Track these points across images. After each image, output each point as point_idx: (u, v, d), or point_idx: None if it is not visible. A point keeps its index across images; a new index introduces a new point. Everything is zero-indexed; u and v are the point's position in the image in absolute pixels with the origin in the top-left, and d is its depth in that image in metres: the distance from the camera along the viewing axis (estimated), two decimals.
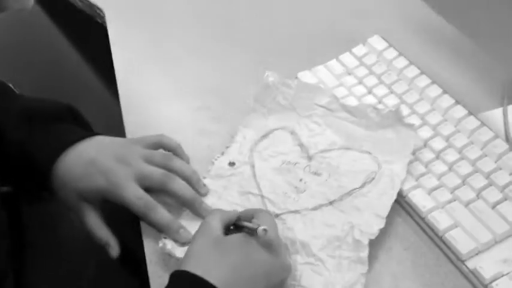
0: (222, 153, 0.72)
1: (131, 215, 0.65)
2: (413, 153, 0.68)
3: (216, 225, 0.57)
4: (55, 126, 0.68)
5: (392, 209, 0.64)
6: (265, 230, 0.54)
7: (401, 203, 0.65)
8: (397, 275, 0.60)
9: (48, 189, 0.67)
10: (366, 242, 0.61)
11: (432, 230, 0.62)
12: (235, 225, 0.59)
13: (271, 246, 0.56)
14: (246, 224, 0.57)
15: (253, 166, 0.70)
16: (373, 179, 0.66)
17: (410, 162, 0.67)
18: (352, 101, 0.74)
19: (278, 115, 0.74)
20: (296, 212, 0.65)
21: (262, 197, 0.67)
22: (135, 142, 0.69)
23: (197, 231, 0.57)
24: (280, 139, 0.72)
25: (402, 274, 0.60)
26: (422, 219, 0.63)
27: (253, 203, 0.66)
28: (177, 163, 0.67)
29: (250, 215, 0.59)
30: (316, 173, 0.68)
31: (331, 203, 0.65)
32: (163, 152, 0.69)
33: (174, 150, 0.70)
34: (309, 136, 0.72)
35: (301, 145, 0.71)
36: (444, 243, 0.61)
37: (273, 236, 0.56)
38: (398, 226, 0.64)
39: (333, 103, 0.73)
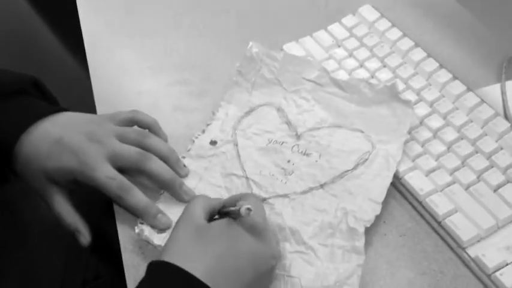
0: (203, 131, 0.66)
1: (104, 198, 0.60)
2: (409, 131, 0.63)
3: (198, 212, 0.52)
4: (17, 100, 0.62)
5: (388, 191, 0.60)
6: (248, 209, 0.49)
7: (397, 186, 0.61)
8: (393, 263, 0.56)
9: (11, 170, 0.61)
10: (361, 229, 0.56)
11: (430, 214, 0.58)
12: (219, 214, 0.54)
13: (257, 230, 0.51)
14: (230, 209, 0.52)
15: (236, 145, 0.65)
16: (367, 160, 0.62)
17: (406, 141, 0.62)
18: (343, 75, 0.69)
19: (263, 90, 0.69)
20: (284, 196, 0.60)
21: (247, 178, 0.62)
22: (107, 118, 0.63)
23: (179, 219, 0.52)
24: (265, 116, 0.67)
25: (398, 262, 0.56)
26: (420, 203, 0.59)
27: (237, 185, 0.61)
28: (153, 140, 0.62)
29: (235, 200, 0.54)
30: (305, 153, 0.63)
31: (321, 186, 0.61)
32: (138, 128, 0.64)
33: (150, 127, 0.64)
34: (297, 113, 0.67)
35: (288, 123, 0.66)
36: (443, 229, 0.57)
37: (259, 219, 0.51)
38: (394, 210, 0.60)
39: (323, 77, 0.68)
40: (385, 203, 0.59)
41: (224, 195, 0.61)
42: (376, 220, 0.58)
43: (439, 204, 0.57)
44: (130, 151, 0.60)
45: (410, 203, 0.60)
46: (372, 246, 0.57)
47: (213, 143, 0.65)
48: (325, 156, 0.63)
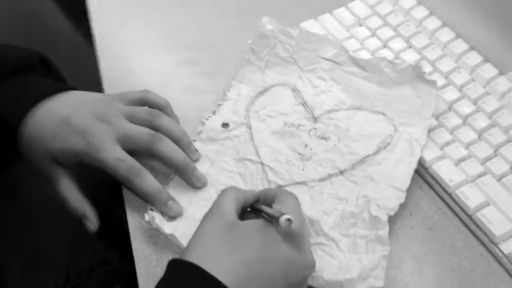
0: (214, 112, 0.63)
1: (112, 181, 0.57)
2: (437, 117, 0.59)
3: (230, 206, 0.48)
4: (22, 77, 0.58)
5: (414, 181, 0.56)
6: (289, 220, 0.44)
7: (424, 176, 0.57)
8: (420, 258, 0.53)
9: (16, 151, 0.58)
10: (384, 218, 0.53)
11: (460, 207, 0.54)
12: (252, 208, 0.50)
13: (293, 237, 0.47)
14: (265, 209, 0.48)
15: (249, 128, 0.61)
16: (389, 144, 0.58)
17: (434, 128, 0.58)
18: (365, 56, 0.65)
19: (277, 69, 0.65)
20: (302, 183, 0.57)
21: (262, 164, 0.58)
22: (116, 98, 0.60)
23: (207, 213, 0.48)
24: (279, 97, 0.63)
25: (426, 257, 0.53)
26: (449, 194, 0.55)
27: (252, 171, 0.58)
28: (165, 121, 0.58)
29: (270, 196, 0.50)
30: (323, 137, 0.60)
31: (341, 172, 0.57)
32: (149, 108, 0.60)
33: (162, 109, 0.60)
34: (314, 94, 0.63)
35: (304, 104, 0.62)
36: (474, 223, 0.53)
37: (297, 226, 0.47)
38: (421, 202, 0.56)
39: (341, 55, 0.64)
40: (411, 193, 0.56)
41: (237, 180, 0.57)
42: (401, 211, 0.54)
43: (470, 197, 0.54)
44: (140, 132, 0.56)
45: (439, 195, 0.56)
46: (397, 240, 0.54)
47: (225, 125, 0.61)
48: (344, 141, 0.59)
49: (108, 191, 0.63)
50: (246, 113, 0.62)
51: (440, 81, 0.61)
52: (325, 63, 0.64)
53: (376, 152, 0.58)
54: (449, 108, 0.60)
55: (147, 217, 0.54)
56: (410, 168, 0.56)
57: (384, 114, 0.60)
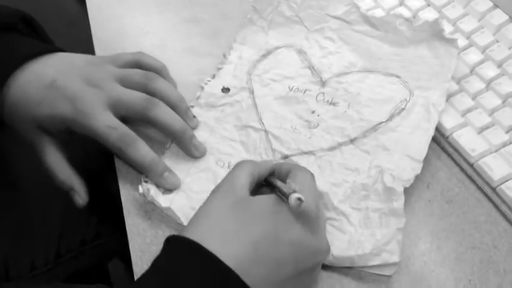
0: (213, 76, 0.58)
1: (104, 152, 0.52)
2: (458, 81, 0.54)
3: (243, 181, 0.43)
4: (3, 37, 0.54)
5: (432, 151, 0.52)
6: (299, 199, 0.40)
7: (443, 145, 0.53)
8: (438, 234, 0.48)
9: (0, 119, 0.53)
10: (400, 189, 0.48)
11: (483, 179, 0.50)
12: (266, 181, 0.46)
13: (307, 217, 0.42)
14: (279, 184, 0.43)
15: (252, 93, 0.57)
16: (403, 109, 0.54)
17: (454, 93, 0.54)
18: (379, 14, 0.60)
19: (281, 29, 0.61)
20: (310, 153, 0.52)
21: (266, 132, 0.54)
22: (107, 61, 0.55)
23: (217, 186, 0.44)
24: (284, 59, 0.59)
25: (445, 233, 0.48)
26: (471, 165, 0.51)
27: (255, 140, 0.53)
28: (160, 84, 0.53)
29: (285, 170, 0.45)
30: (331, 103, 0.55)
31: (351, 140, 0.53)
32: (143, 71, 0.55)
33: (158, 72, 0.56)
34: (321, 56, 0.58)
35: (311, 67, 0.58)
36: (498, 196, 0.49)
37: (311, 207, 0.42)
38: (439, 173, 0.52)
39: (352, 13, 0.59)
40: (428, 164, 0.51)
41: (239, 149, 0.53)
42: (418, 183, 0.50)
43: (494, 168, 0.49)
44: (134, 96, 0.51)
45: (459, 165, 0.52)
46: (414, 214, 0.49)
47: (226, 90, 0.57)
48: (354, 106, 0.54)
49: (100, 161, 0.59)
50: (248, 76, 0.58)
51: (462, 42, 0.56)
52: (334, 22, 0.60)
53: (390, 119, 0.53)
54: (472, 71, 0.55)
55: (141, 189, 0.50)
56: (427, 136, 0.51)
57: (398, 77, 0.56)
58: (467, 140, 0.51)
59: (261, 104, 0.56)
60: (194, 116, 0.55)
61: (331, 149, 0.53)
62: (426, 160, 0.51)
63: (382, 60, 0.57)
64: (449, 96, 0.54)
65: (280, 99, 0.56)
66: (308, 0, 0.60)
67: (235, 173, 0.44)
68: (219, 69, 0.59)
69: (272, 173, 0.46)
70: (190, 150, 0.52)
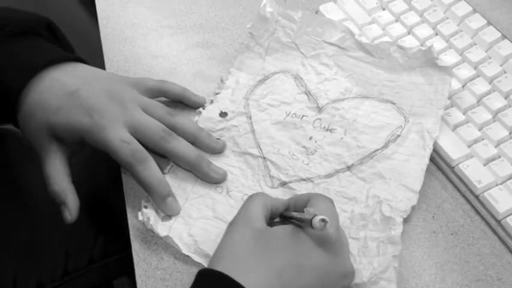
0: (211, 101, 0.58)
1: (112, 171, 0.53)
2: (464, 112, 0.55)
3: (258, 212, 0.44)
4: (28, 40, 0.53)
5: (437, 181, 0.53)
6: (324, 220, 0.40)
7: (449, 175, 0.53)
8: (443, 266, 0.49)
9: (14, 122, 0.53)
10: (399, 219, 0.49)
11: (488, 211, 0.50)
12: (281, 217, 0.46)
13: (328, 242, 0.43)
14: (296, 215, 0.43)
15: (249, 118, 0.57)
16: (399, 136, 0.54)
17: (460, 123, 0.54)
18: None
19: (278, 55, 0.61)
20: (308, 180, 0.53)
21: (264, 159, 0.54)
22: (131, 83, 0.55)
23: (233, 220, 0.44)
24: (281, 85, 0.59)
25: (449, 265, 0.49)
26: (476, 197, 0.51)
27: (253, 167, 0.54)
28: (181, 119, 0.54)
29: (302, 202, 0.45)
30: (328, 129, 0.56)
31: (348, 168, 0.53)
32: (166, 107, 0.55)
33: (181, 98, 0.57)
34: (318, 82, 0.59)
35: (308, 93, 0.58)
36: (503, 229, 0.49)
37: (332, 230, 0.43)
38: (445, 204, 0.52)
39: (347, 40, 0.60)
40: (434, 194, 0.52)
41: (237, 175, 0.53)
42: (423, 214, 0.51)
43: (500, 200, 0.49)
44: (155, 125, 0.51)
45: (465, 197, 0.52)
46: (419, 246, 0.49)
47: (223, 114, 0.57)
48: (351, 133, 0.55)
49: (109, 181, 0.58)
50: (246, 101, 0.58)
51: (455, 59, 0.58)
52: (330, 49, 0.60)
53: (385, 146, 0.54)
54: (478, 101, 0.56)
55: (140, 217, 0.50)
56: (423, 164, 0.52)
57: (392, 103, 0.56)
58: (473, 171, 0.51)
59: (258, 129, 0.56)
60: (218, 138, 0.55)
61: (329, 175, 0.53)
62: (432, 191, 0.52)
63: (377, 87, 0.57)
64: (455, 127, 0.54)
65: (278, 124, 0.56)
66: (304, 27, 0.61)
67: (248, 205, 0.44)
68: (216, 94, 0.59)
69: (287, 209, 0.46)
70: (211, 176, 0.52)
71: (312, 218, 0.40)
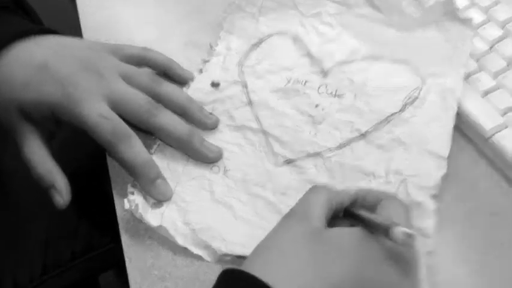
0: (200, 71, 0.53)
1: (100, 150, 0.47)
2: (494, 76, 0.49)
3: (319, 210, 0.37)
4: None
5: (468, 154, 0.47)
6: (409, 234, 0.33)
7: (482, 148, 0.47)
8: (480, 250, 0.42)
9: None
10: (431, 206, 0.43)
11: None
12: (345, 213, 0.39)
13: (402, 260, 0.35)
14: (371, 217, 0.36)
15: (245, 87, 0.52)
16: (417, 98, 0.49)
17: (492, 89, 0.48)
18: None
19: (273, 15, 0.56)
20: (316, 154, 0.47)
21: (265, 133, 0.49)
22: (109, 50, 0.50)
23: (288, 213, 0.38)
24: (279, 48, 0.54)
25: (488, 249, 0.42)
26: None
27: (253, 142, 0.49)
28: (167, 88, 0.49)
29: (373, 199, 0.39)
30: (336, 95, 0.51)
31: (363, 135, 0.48)
32: (151, 72, 0.50)
33: (167, 69, 0.52)
34: (320, 43, 0.54)
35: (310, 56, 0.53)
36: None
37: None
38: (480, 181, 0.46)
39: None
40: (465, 169, 0.46)
41: (236, 153, 0.48)
42: (454, 189, 0.44)
43: None
44: (139, 98, 0.46)
45: (504, 174, 0.46)
46: (453, 226, 0.43)
47: (215, 85, 0.52)
48: (362, 97, 0.50)
49: (94, 160, 0.53)
50: (240, 68, 0.53)
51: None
52: (331, 6, 0.56)
53: (402, 109, 0.49)
54: (508, 64, 0.49)
55: (127, 205, 0.44)
56: (448, 126, 0.47)
57: (407, 64, 0.51)
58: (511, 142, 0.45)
59: (256, 99, 0.51)
60: (211, 113, 0.50)
61: (341, 146, 0.48)
62: (463, 163, 0.46)
63: (389, 46, 0.52)
64: (485, 93, 0.48)
65: (278, 93, 0.51)
66: None
67: (310, 199, 0.37)
68: (205, 62, 0.54)
69: (354, 204, 0.39)
70: (204, 155, 0.47)
71: (391, 226, 0.33)
